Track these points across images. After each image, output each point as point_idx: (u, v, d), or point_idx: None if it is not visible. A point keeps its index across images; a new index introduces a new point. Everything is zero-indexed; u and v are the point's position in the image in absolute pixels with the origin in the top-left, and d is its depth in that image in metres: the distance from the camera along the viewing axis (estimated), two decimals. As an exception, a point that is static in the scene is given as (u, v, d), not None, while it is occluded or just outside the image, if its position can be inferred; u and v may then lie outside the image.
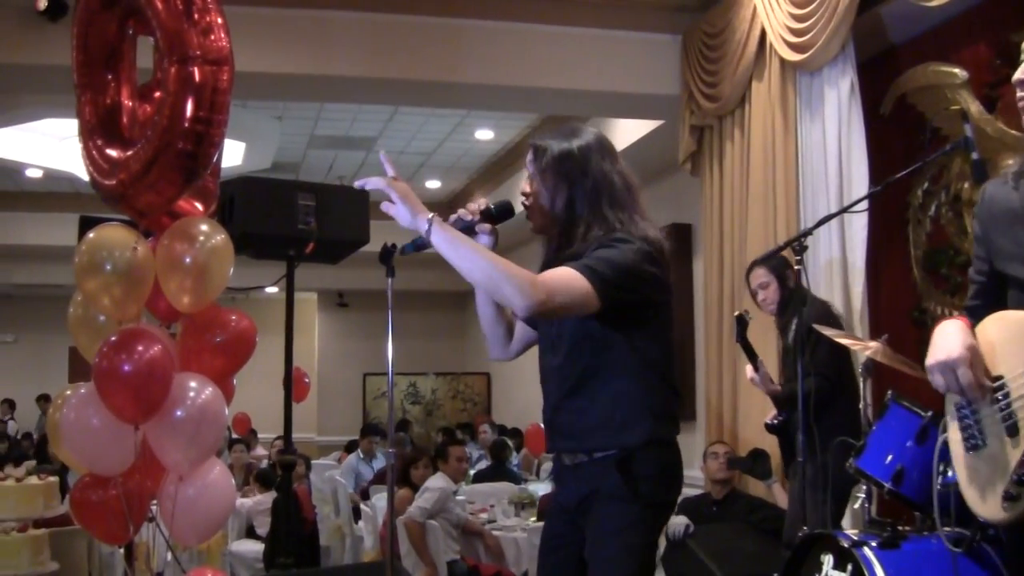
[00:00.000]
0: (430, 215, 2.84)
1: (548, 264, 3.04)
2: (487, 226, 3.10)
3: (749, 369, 5.22)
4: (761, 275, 5.42)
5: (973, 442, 2.81)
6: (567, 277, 2.80)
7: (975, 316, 2.92)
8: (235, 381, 4.63)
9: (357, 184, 3.02)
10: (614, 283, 2.83)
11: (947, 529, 3.41)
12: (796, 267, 4.68)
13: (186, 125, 3.72)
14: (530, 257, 3.21)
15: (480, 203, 3.10)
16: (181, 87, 3.71)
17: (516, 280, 2.75)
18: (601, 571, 2.96)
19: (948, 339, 2.77)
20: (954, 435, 2.92)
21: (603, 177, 3.03)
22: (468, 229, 3.05)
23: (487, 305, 3.27)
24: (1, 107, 9.85)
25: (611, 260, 2.85)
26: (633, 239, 2.92)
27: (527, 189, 3.11)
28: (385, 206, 2.92)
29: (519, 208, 3.18)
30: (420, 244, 3.04)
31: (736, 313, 5.13)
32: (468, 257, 2.80)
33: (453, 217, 3.08)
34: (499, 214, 3.10)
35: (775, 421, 5.25)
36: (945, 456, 3.01)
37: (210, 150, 3.83)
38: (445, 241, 2.82)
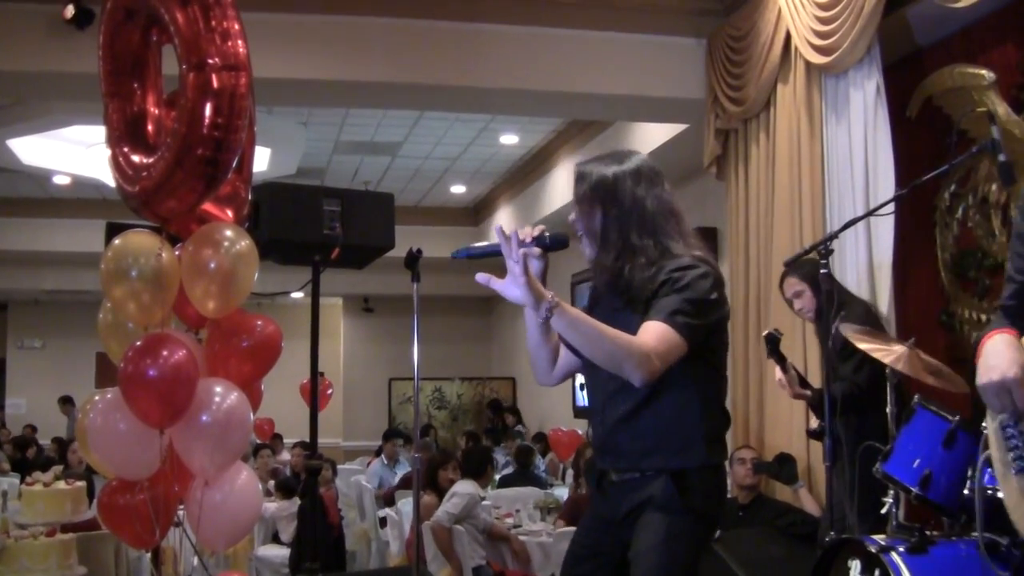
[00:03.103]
0: (550, 297, 2.84)
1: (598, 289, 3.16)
2: (537, 250, 3.08)
3: (778, 371, 5.17)
4: (794, 283, 5.35)
5: (1022, 464, 2.73)
6: (664, 336, 2.89)
7: (1011, 316, 2.84)
8: (263, 386, 4.65)
9: (479, 279, 2.95)
10: (696, 325, 2.94)
11: (975, 534, 3.39)
12: (822, 271, 4.67)
13: (205, 131, 3.73)
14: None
15: (537, 229, 3.08)
16: (199, 93, 3.73)
17: (634, 357, 2.84)
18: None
19: (1000, 357, 2.67)
20: (997, 454, 2.81)
21: (634, 202, 3.07)
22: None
23: (536, 334, 3.26)
24: (29, 114, 9.93)
25: (689, 297, 2.94)
26: (698, 263, 3.00)
27: (573, 216, 3.18)
28: (490, 282, 2.91)
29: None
30: (472, 254, 3.11)
31: (765, 333, 5.09)
32: (589, 337, 2.87)
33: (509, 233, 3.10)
34: (552, 243, 3.08)
35: (819, 428, 5.19)
36: (980, 461, 2.94)
37: (229, 156, 3.84)
38: (568, 322, 2.86)
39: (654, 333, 2.89)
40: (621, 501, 3.10)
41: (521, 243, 2.92)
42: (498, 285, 2.88)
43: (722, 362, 3.17)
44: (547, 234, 3.07)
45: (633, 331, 2.91)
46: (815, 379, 5.65)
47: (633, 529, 3.05)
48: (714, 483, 3.09)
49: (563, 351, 3.32)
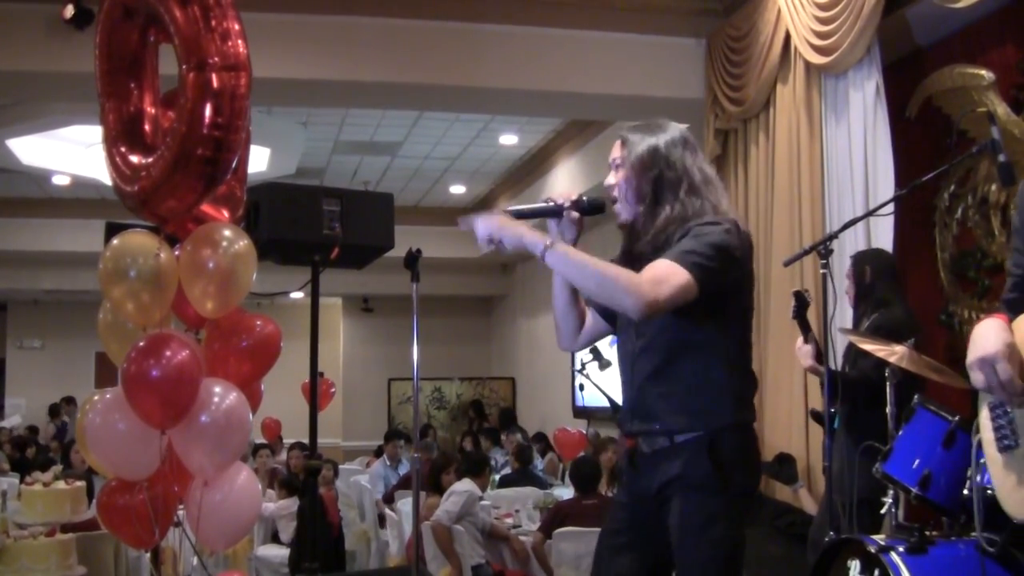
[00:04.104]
0: (545, 240, 2.99)
1: (631, 252, 3.19)
2: (575, 215, 3.22)
3: (800, 340, 5.14)
4: (848, 266, 5.38)
5: (1006, 442, 2.83)
6: (669, 271, 2.92)
7: (1013, 309, 2.91)
8: (263, 386, 4.65)
9: (462, 226, 3.12)
10: (710, 268, 2.95)
11: (975, 534, 3.39)
12: (822, 271, 4.67)
13: (205, 131, 3.72)
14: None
15: (574, 193, 3.25)
16: (199, 93, 3.72)
17: (628, 285, 2.89)
18: (690, 572, 3.03)
19: (987, 337, 2.76)
20: (987, 435, 2.92)
21: (685, 169, 3.18)
22: (557, 212, 3.20)
23: (563, 295, 3.36)
24: (28, 114, 9.93)
25: (706, 243, 2.97)
26: (722, 220, 3.07)
27: (612, 180, 3.26)
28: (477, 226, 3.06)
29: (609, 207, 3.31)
30: (521, 214, 3.20)
31: (795, 290, 5.07)
32: (580, 267, 2.96)
33: (545, 197, 3.29)
34: (590, 207, 3.23)
35: (822, 410, 5.17)
36: (979, 457, 3.01)
37: (229, 156, 3.84)
38: (560, 258, 2.99)
39: (655, 268, 2.95)
40: (654, 474, 3.11)
41: (559, 206, 3.16)
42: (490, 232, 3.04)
43: (744, 327, 3.21)
44: (585, 198, 3.22)
45: None
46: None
47: (668, 508, 3.06)
48: (746, 447, 3.10)
49: (590, 315, 3.42)
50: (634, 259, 3.15)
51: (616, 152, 3.27)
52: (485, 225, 3.03)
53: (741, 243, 3.06)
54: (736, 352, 3.14)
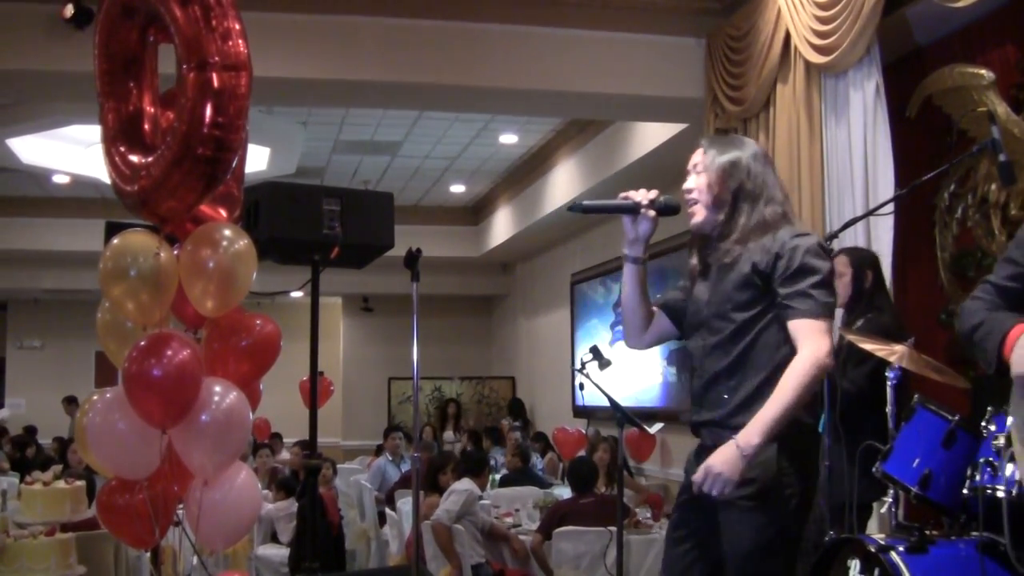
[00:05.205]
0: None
1: (705, 260, 3.41)
2: (652, 213, 3.36)
3: None
4: (841, 263, 5.24)
5: None
6: (814, 329, 3.12)
7: (1005, 297, 3.00)
8: (261, 385, 4.65)
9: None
10: (832, 302, 3.21)
11: (975, 534, 3.39)
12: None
13: (205, 131, 3.72)
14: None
15: (652, 193, 3.38)
16: (200, 93, 3.72)
17: (814, 372, 3.07)
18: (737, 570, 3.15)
19: None
20: (1019, 448, 2.96)
21: (765, 183, 3.33)
22: (634, 210, 3.37)
23: (634, 294, 3.50)
24: (28, 114, 9.93)
25: (816, 282, 3.16)
26: (808, 232, 3.31)
27: (691, 184, 3.40)
28: None
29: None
30: (588, 208, 3.43)
31: None
32: (794, 402, 3.05)
33: (622, 195, 3.41)
34: (664, 208, 3.39)
35: None
36: (981, 456, 3.02)
37: (229, 155, 3.84)
38: (783, 417, 3.05)
39: (805, 336, 3.11)
40: None
41: (636, 204, 3.32)
42: None
43: None
44: (662, 198, 3.39)
45: (738, 286, 3.24)
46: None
47: (723, 511, 3.16)
48: (808, 452, 3.21)
49: (658, 315, 3.56)
50: (707, 267, 3.39)
51: (697, 158, 3.41)
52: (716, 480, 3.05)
53: (828, 253, 3.26)
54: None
